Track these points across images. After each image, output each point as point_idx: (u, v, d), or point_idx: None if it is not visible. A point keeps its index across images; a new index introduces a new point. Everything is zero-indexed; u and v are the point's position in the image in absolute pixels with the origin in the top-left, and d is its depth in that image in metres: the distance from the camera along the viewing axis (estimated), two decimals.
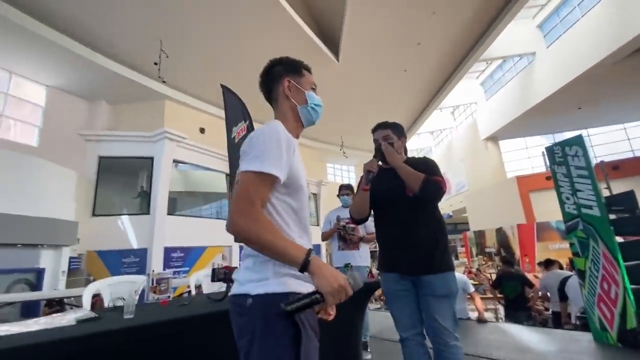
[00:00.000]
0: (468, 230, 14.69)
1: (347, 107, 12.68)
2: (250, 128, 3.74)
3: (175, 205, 9.41)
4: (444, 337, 1.50)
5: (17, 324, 0.97)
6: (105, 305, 1.61)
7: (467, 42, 10.16)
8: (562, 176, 2.58)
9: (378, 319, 3.73)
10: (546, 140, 15.98)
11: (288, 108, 1.02)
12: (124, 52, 8.17)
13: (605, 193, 3.05)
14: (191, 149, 9.43)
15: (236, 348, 0.81)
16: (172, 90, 9.52)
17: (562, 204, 2.63)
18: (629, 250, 2.49)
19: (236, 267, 1.54)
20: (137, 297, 1.64)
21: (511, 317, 4.26)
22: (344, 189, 3.23)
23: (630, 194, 2.56)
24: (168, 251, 8.30)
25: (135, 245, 8.18)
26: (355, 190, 2.75)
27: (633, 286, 2.42)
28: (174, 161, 9.14)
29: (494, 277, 6.66)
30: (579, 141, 2.50)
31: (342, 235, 3.00)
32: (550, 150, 2.69)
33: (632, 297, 2.36)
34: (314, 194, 14.21)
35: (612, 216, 2.58)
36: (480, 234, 13.67)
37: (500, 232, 14.11)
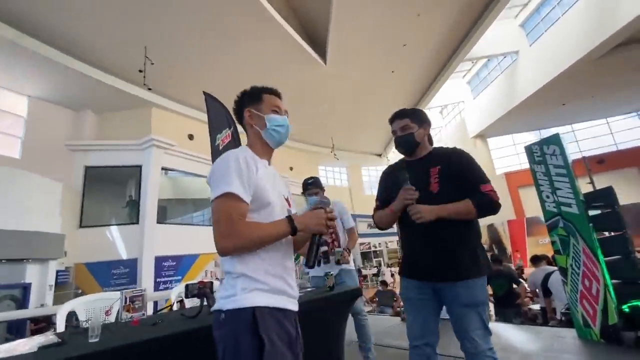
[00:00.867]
0: None
1: (337, 109, 12.71)
2: (235, 135, 3.69)
3: (165, 213, 9.30)
4: (471, 348, 1.40)
5: None
6: (81, 325, 1.57)
7: (452, 42, 10.28)
8: (542, 175, 2.62)
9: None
10: (533, 137, 16.23)
11: (253, 134, 1.12)
12: (108, 60, 8.06)
13: (588, 188, 3.09)
14: (180, 156, 9.35)
15: None
16: (158, 97, 9.42)
17: (542, 202, 2.66)
18: (609, 245, 2.53)
19: (211, 281, 1.52)
20: (113, 316, 1.61)
21: (500, 314, 4.30)
22: (311, 187, 2.65)
23: (609, 190, 2.60)
24: (159, 260, 8.19)
25: (124, 256, 8.06)
26: (321, 186, 2.67)
27: (614, 281, 2.45)
28: (163, 168, 9.04)
29: None
30: (556, 140, 2.53)
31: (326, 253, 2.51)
32: (529, 150, 2.72)
33: (612, 292, 2.40)
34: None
35: (592, 212, 2.61)
36: None
37: (491, 228, 14.27)
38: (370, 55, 10.03)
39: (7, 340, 5.16)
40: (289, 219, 0.94)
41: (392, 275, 12.05)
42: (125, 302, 1.42)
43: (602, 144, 14.28)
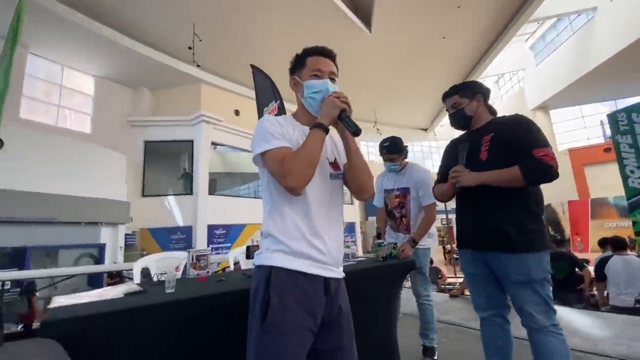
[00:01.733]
0: None
1: (380, 81, 12.19)
2: (281, 107, 3.68)
3: (216, 185, 9.87)
4: (531, 323, 1.35)
5: (72, 296, 1.07)
6: (154, 278, 1.74)
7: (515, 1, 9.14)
8: (627, 147, 2.28)
9: None
10: (607, 108, 14.30)
11: (298, 103, 1.12)
12: (160, 39, 8.42)
13: None
14: (227, 131, 9.72)
15: None
16: (206, 74, 9.73)
17: (625, 177, 2.34)
18: None
19: None
20: (180, 273, 1.76)
21: (560, 298, 4.02)
22: (388, 152, 2.38)
23: None
24: (211, 229, 8.82)
25: (181, 223, 8.78)
26: (403, 150, 2.45)
27: None
28: (212, 143, 9.49)
29: None
30: None
31: (392, 212, 2.41)
32: (613, 118, 2.37)
33: None
34: None
35: None
36: None
37: (548, 209, 13.18)
38: (418, 20, 9.31)
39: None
40: (314, 124, 0.97)
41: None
42: (192, 260, 1.54)
43: None
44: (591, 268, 4.08)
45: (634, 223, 2.39)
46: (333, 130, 1.04)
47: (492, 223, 1.41)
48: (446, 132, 21.39)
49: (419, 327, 2.26)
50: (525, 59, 15.57)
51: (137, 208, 8.12)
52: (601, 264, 3.44)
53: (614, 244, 3.48)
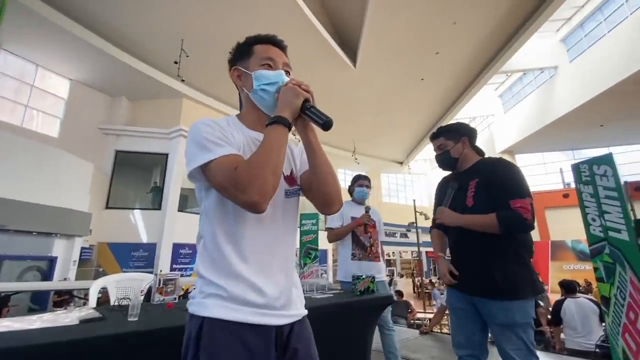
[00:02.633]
0: None
1: (362, 113, 12.63)
2: None
3: (187, 202, 9.50)
4: None
5: (20, 319, 0.94)
6: (112, 302, 1.59)
7: (488, 53, 10.00)
8: (589, 196, 2.45)
9: None
10: (565, 157, 15.57)
11: (244, 100, 0.90)
12: (146, 50, 8.35)
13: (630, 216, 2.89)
14: None
15: None
16: (190, 89, 9.66)
17: (587, 225, 2.49)
18: None
19: None
20: (142, 297, 1.62)
21: None
22: (363, 179, 2.58)
23: None
24: (177, 247, 8.36)
25: (145, 239, 8.28)
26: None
27: None
28: None
29: None
30: (608, 160, 2.37)
31: (360, 240, 2.41)
32: (576, 169, 2.56)
33: None
34: None
35: None
36: None
37: None
38: (400, 61, 9.91)
39: (30, 309, 5.40)
40: (272, 119, 0.75)
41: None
42: (159, 285, 1.42)
43: None
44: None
45: (595, 269, 2.52)
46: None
47: (479, 269, 1.43)
48: (420, 167, 22.25)
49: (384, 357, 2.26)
50: (494, 106, 16.79)
51: (98, 220, 7.60)
52: (556, 307, 3.54)
53: (565, 287, 3.62)
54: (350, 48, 9.59)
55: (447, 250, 1.70)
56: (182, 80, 8.19)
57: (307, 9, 7.61)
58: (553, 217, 13.49)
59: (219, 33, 7.88)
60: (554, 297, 5.05)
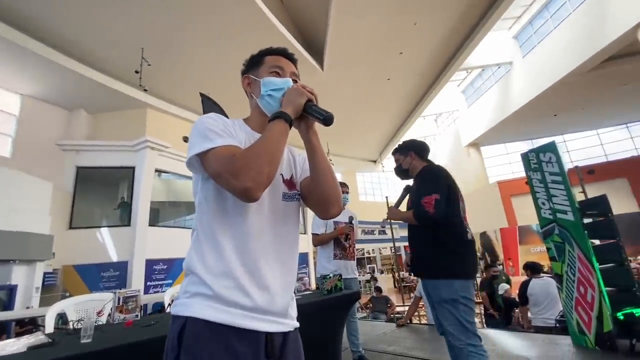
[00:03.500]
0: None
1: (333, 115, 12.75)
2: None
3: (158, 215, 9.17)
4: (452, 341, 1.57)
5: None
6: (71, 325, 1.52)
7: (448, 51, 10.45)
8: (538, 182, 2.64)
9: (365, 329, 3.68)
10: (526, 146, 16.51)
11: (252, 106, 0.94)
12: (105, 61, 8.00)
13: (581, 197, 3.13)
14: (174, 158, 9.24)
15: None
16: (153, 99, 9.36)
17: (538, 209, 2.68)
18: (604, 253, 2.55)
19: None
20: (104, 317, 1.56)
21: (491, 324, 4.29)
22: (341, 186, 2.95)
23: (602, 198, 2.64)
24: (150, 263, 8.04)
25: (115, 258, 7.90)
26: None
27: (608, 289, 2.47)
28: (156, 170, 8.93)
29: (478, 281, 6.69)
30: (552, 148, 2.56)
31: (341, 242, 2.70)
32: (525, 157, 2.75)
33: (607, 300, 2.41)
34: None
35: (586, 220, 2.64)
36: None
37: (484, 236, 14.35)
38: (366, 62, 10.13)
39: None
40: (274, 114, 0.78)
41: None
42: (119, 303, 1.38)
43: (593, 155, 14.56)
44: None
45: (548, 249, 2.71)
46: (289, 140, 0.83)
47: (416, 254, 1.81)
48: (393, 165, 22.76)
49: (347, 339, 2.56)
50: (458, 102, 17.53)
51: (62, 242, 7.17)
52: (522, 288, 3.78)
53: (531, 269, 3.89)
54: (316, 52, 9.69)
55: None
56: (145, 90, 7.92)
57: (269, 12, 7.60)
58: (519, 204, 14.24)
59: (180, 39, 7.71)
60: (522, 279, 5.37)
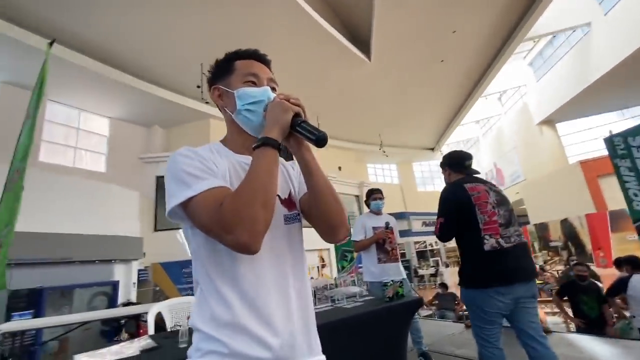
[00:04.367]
0: (527, 223, 13.56)
1: (384, 105, 12.45)
2: None
3: None
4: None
5: (93, 354, 1.13)
6: (168, 327, 1.78)
7: (509, 21, 9.44)
8: (627, 170, 2.29)
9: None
10: (616, 117, 14.20)
11: (227, 122, 0.82)
12: (172, 80, 8.90)
13: None
14: None
15: None
16: (215, 110, 10.06)
17: (629, 201, 2.33)
18: None
19: None
20: None
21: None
22: (376, 193, 2.98)
23: None
24: None
25: None
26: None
27: None
28: None
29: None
30: None
31: (383, 246, 2.76)
32: (609, 142, 2.40)
33: None
34: (356, 196, 14.15)
35: None
36: (542, 227, 12.49)
37: (565, 223, 12.78)
38: (416, 46, 9.65)
39: (102, 331, 6.02)
40: (259, 141, 0.67)
41: None
42: None
43: None
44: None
45: None
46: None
47: None
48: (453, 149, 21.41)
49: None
50: (525, 75, 15.76)
51: (149, 243, 8.24)
52: (618, 285, 3.28)
53: (632, 264, 3.33)
54: (362, 43, 9.52)
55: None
56: (207, 103, 8.63)
57: (314, 12, 7.68)
58: (608, 185, 12.38)
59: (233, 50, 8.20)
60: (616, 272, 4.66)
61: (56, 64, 6.74)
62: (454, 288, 7.70)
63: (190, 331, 1.29)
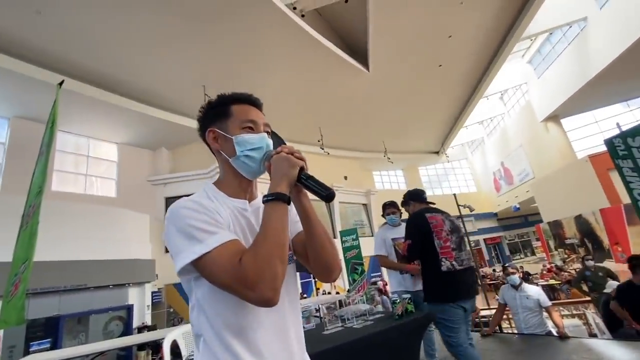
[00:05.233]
0: (541, 221, 13.31)
1: (386, 113, 12.52)
2: None
3: None
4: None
5: None
6: (183, 354, 1.81)
7: (505, 22, 9.50)
8: (630, 171, 2.28)
9: None
10: (622, 108, 14.01)
11: (223, 164, 0.83)
12: (176, 103, 9.12)
13: None
14: None
15: None
16: None
17: (635, 201, 2.30)
18: None
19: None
20: None
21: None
22: (389, 207, 3.01)
23: None
24: None
25: None
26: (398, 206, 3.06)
27: None
28: None
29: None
30: None
31: (404, 258, 2.71)
32: (610, 144, 2.39)
33: None
34: (363, 205, 14.12)
35: None
36: (556, 225, 12.24)
37: (580, 219, 12.50)
38: (413, 54, 9.76)
39: (119, 356, 6.05)
40: (266, 197, 0.69)
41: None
42: None
43: None
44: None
45: None
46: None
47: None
48: (459, 154, 21.31)
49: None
50: (526, 74, 15.73)
51: (161, 265, 8.32)
52: (623, 289, 3.12)
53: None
54: (360, 54, 9.67)
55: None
56: None
57: (311, 29, 7.86)
58: (620, 178, 12.18)
59: (234, 70, 8.41)
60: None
61: (65, 95, 7.00)
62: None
63: None
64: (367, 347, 1.09)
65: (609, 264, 8.80)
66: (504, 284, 3.62)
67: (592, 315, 4.53)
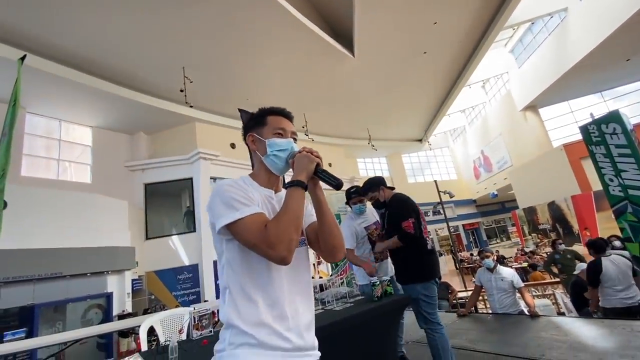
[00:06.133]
0: (517, 208, 13.82)
1: (370, 99, 12.48)
2: None
3: None
4: (420, 325, 2.26)
5: None
6: (161, 341, 1.79)
7: (489, 10, 9.53)
8: (602, 157, 2.36)
9: None
10: (596, 99, 14.54)
11: (257, 162, 1.04)
12: (154, 85, 8.73)
13: None
14: (225, 165, 9.89)
15: None
16: (200, 112, 10.00)
17: (605, 186, 2.41)
18: None
19: None
20: (184, 334, 1.80)
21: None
22: (354, 197, 2.78)
23: None
24: (217, 265, 8.79)
25: (187, 262, 8.77)
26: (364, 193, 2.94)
27: None
28: (211, 178, 9.63)
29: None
30: (616, 118, 2.25)
31: (374, 245, 2.66)
32: (584, 130, 2.47)
33: None
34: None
35: None
36: (531, 211, 12.79)
37: (552, 206, 13.08)
38: (398, 40, 9.67)
39: (98, 344, 5.96)
40: (292, 182, 0.89)
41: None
42: (195, 321, 1.59)
43: None
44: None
45: (622, 229, 2.44)
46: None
47: (399, 266, 2.38)
48: (441, 141, 21.66)
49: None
50: (507, 63, 15.98)
51: (141, 251, 8.16)
52: (594, 269, 3.29)
53: (595, 248, 3.26)
54: (345, 39, 9.50)
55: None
56: (191, 106, 8.51)
57: (295, 11, 7.62)
58: (591, 166, 12.73)
59: (215, 52, 8.10)
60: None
61: (31, 74, 6.56)
62: (447, 277, 7.84)
63: (179, 345, 1.30)
64: (347, 328, 1.10)
65: (577, 248, 9.30)
66: (480, 267, 3.76)
67: (561, 295, 4.80)
